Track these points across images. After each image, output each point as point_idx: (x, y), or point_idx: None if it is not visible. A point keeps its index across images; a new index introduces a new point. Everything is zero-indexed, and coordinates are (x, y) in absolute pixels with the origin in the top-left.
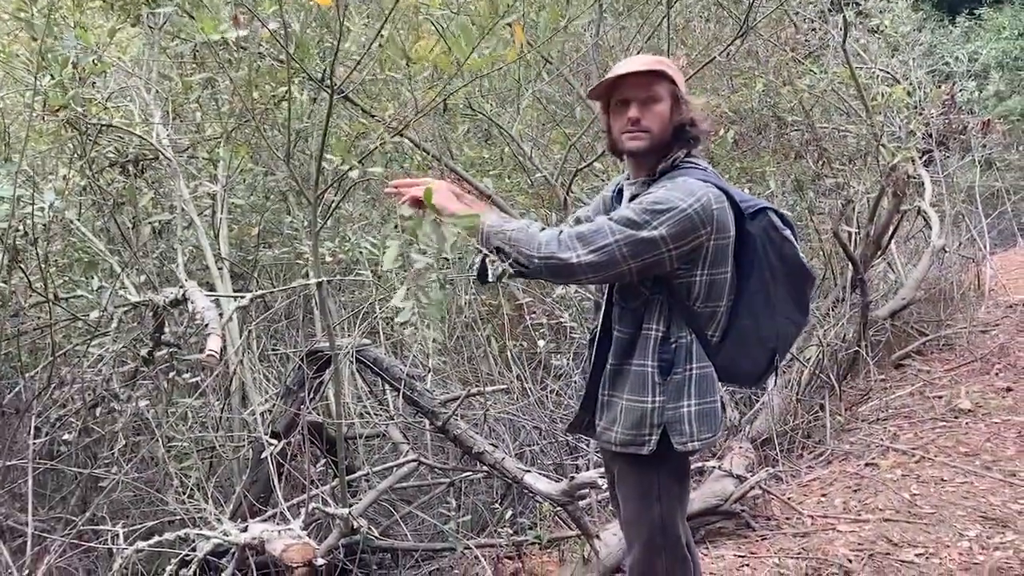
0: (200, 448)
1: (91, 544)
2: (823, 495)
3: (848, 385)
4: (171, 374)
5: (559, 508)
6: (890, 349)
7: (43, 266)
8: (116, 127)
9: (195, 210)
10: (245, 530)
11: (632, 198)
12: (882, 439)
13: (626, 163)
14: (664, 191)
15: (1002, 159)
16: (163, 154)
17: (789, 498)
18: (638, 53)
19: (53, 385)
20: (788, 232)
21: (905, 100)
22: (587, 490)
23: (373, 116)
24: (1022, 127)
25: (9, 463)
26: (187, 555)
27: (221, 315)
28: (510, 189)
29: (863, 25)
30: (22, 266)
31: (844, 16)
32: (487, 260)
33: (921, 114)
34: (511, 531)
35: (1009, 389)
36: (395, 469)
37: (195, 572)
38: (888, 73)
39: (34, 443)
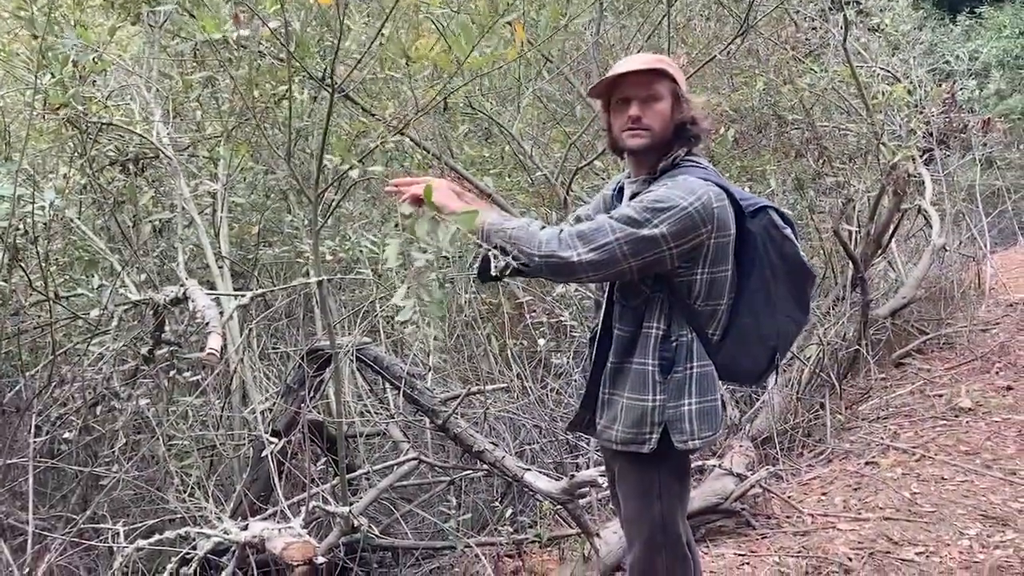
0: (200, 446)
1: (92, 542)
2: (823, 494)
3: (848, 384)
4: (171, 372)
5: (559, 506)
6: (890, 348)
7: (43, 265)
8: (116, 126)
9: (195, 209)
10: (245, 528)
11: (633, 196)
12: (882, 438)
13: (627, 161)
14: (665, 189)
15: (1003, 158)
16: (163, 153)
17: (789, 496)
18: (638, 52)
19: (54, 383)
20: (788, 230)
21: (905, 99)
22: (587, 488)
23: (373, 115)
24: (1023, 126)
25: (10, 461)
26: (188, 553)
27: (221, 313)
28: (510, 188)
29: (863, 24)
30: (22, 265)
31: (844, 15)
32: (490, 255)
33: (921, 113)
34: (511, 529)
35: (1009, 388)
36: (395, 467)
37: (196, 570)
38: (888, 72)
39: (35, 441)
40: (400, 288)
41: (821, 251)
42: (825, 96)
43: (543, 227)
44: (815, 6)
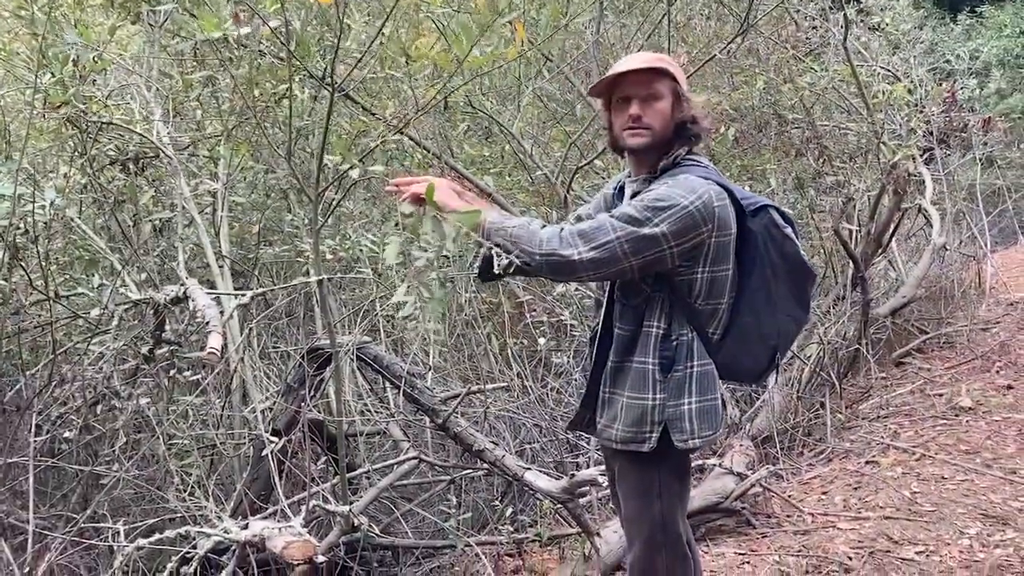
0: (201, 446)
1: (92, 541)
2: (823, 493)
3: (849, 383)
4: (172, 372)
5: (560, 506)
6: (891, 347)
7: (44, 264)
8: (117, 125)
9: (196, 208)
10: (246, 527)
11: (634, 195)
12: (883, 437)
13: (627, 160)
14: (666, 188)
15: (1003, 157)
16: (164, 152)
17: (790, 496)
18: (639, 51)
19: (54, 383)
20: (789, 230)
21: (906, 98)
22: (587, 488)
23: (374, 114)
24: (1023, 125)
25: (10, 460)
26: (188, 553)
27: (222, 313)
28: (511, 187)
29: (864, 23)
30: (23, 264)
31: (845, 14)
32: (493, 252)
33: (922, 112)
34: (512, 528)
35: (1010, 387)
36: (396, 467)
37: (196, 569)
38: (889, 71)
39: (35, 441)
40: (401, 286)
41: (821, 250)
42: (825, 95)
43: (544, 226)
44: (815, 5)
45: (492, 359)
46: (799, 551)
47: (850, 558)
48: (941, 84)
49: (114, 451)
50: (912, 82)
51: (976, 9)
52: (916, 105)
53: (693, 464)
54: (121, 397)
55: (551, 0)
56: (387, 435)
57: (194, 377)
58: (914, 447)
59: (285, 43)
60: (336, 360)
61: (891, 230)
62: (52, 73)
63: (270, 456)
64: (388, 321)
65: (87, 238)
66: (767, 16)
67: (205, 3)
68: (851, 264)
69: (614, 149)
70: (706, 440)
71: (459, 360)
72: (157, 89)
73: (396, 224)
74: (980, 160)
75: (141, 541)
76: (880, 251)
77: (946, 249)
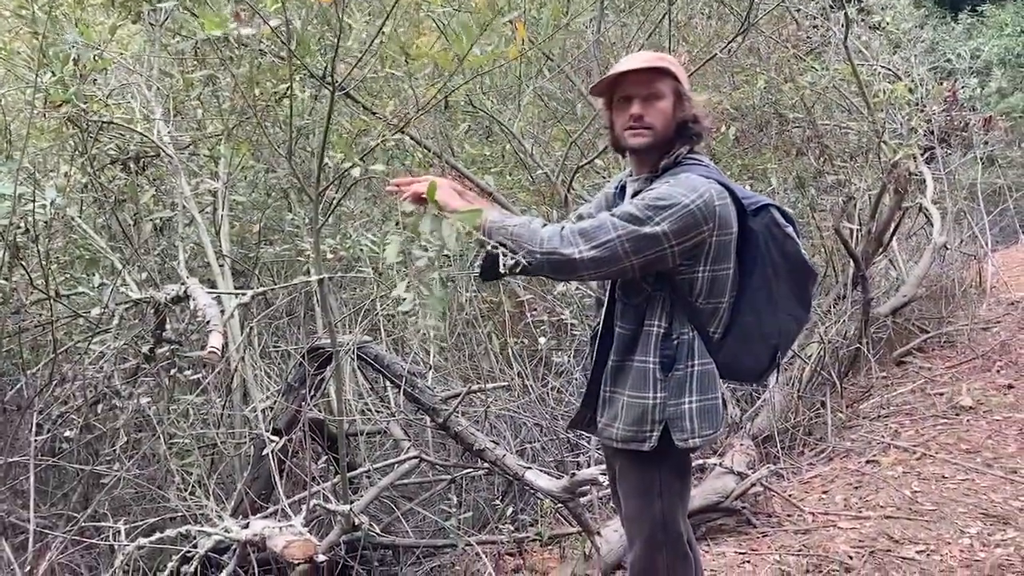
0: (201, 445)
1: (93, 541)
2: (824, 492)
3: (849, 382)
4: (172, 371)
5: (560, 505)
6: (891, 346)
7: (44, 263)
8: (117, 124)
9: (196, 207)
10: (246, 527)
11: (635, 194)
12: (883, 436)
13: (629, 160)
14: (667, 187)
15: (1004, 156)
16: (164, 151)
17: (790, 495)
18: (640, 50)
19: (55, 382)
20: (790, 229)
21: (907, 97)
22: (588, 487)
23: (374, 113)
24: None
25: (11, 460)
26: (188, 552)
27: (222, 312)
28: (511, 186)
29: (865, 22)
30: (23, 263)
31: (846, 13)
32: (500, 252)
33: (923, 111)
34: (512, 528)
35: (1010, 386)
36: (396, 466)
37: (197, 569)
38: (890, 70)
39: (36, 440)
40: (401, 282)
41: (822, 249)
42: (826, 94)
43: (544, 224)
44: (816, 4)
45: (493, 358)
46: (800, 550)
47: (851, 557)
48: (942, 83)
49: (115, 450)
50: (913, 81)
51: (977, 8)
52: (917, 104)
53: (694, 463)
54: (122, 396)
55: None
56: (388, 434)
57: (195, 376)
58: (915, 446)
59: (286, 42)
60: (337, 359)
61: (892, 229)
62: (53, 72)
63: (271, 455)
64: (389, 320)
65: (88, 237)
66: (768, 15)
67: (206, 2)
68: (852, 263)
69: (615, 148)
70: (707, 439)
71: (460, 359)
72: (158, 88)
73: (397, 223)
74: (981, 159)
75: (142, 540)
76: (881, 250)
77: (947, 248)
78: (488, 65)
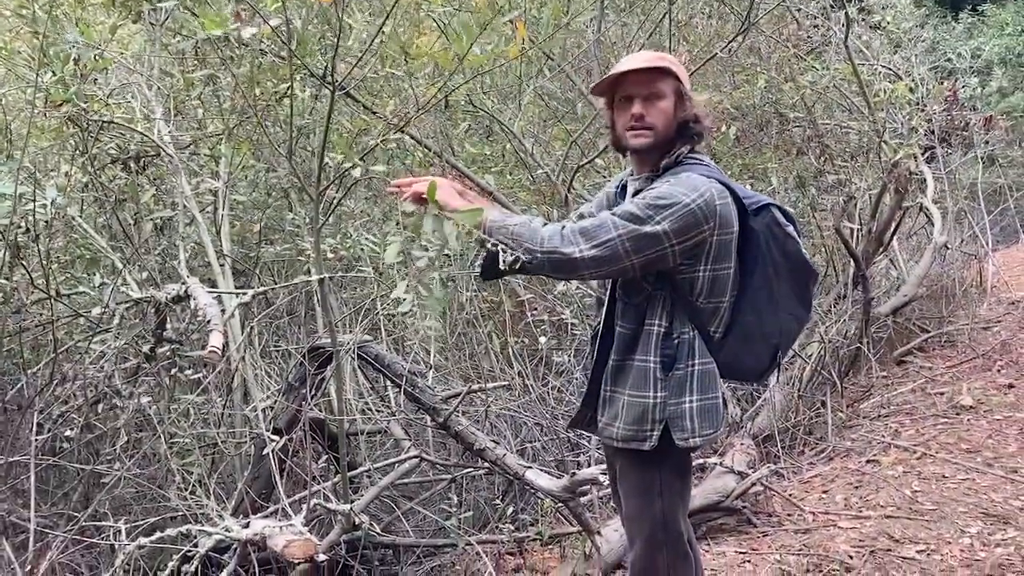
0: (202, 444)
1: (93, 540)
2: (824, 492)
3: (850, 382)
4: (173, 370)
5: (560, 504)
6: (892, 346)
7: (45, 263)
8: (118, 124)
9: (197, 207)
10: (247, 526)
11: (635, 193)
12: (883, 436)
13: (630, 159)
14: (667, 186)
15: (1005, 155)
16: (165, 151)
17: (790, 495)
18: (640, 49)
19: (55, 381)
20: (791, 228)
21: (907, 96)
22: (588, 486)
23: (375, 113)
24: None
25: (12, 459)
26: (189, 551)
27: (223, 311)
28: (512, 186)
29: (865, 21)
30: (24, 262)
31: (846, 12)
32: (499, 249)
33: (923, 110)
34: (513, 527)
35: (1011, 386)
36: (397, 465)
37: (197, 568)
38: (890, 69)
39: (36, 439)
40: (401, 283)
41: (823, 249)
42: (827, 94)
43: (545, 224)
44: (817, 4)
45: (493, 358)
46: (800, 550)
47: (851, 557)
48: (942, 83)
49: (115, 450)
50: (913, 81)
51: (978, 7)
52: (917, 104)
53: (694, 463)
54: (122, 396)
55: None
56: (388, 434)
57: (195, 376)
58: (915, 446)
59: (286, 42)
60: (337, 359)
61: (892, 229)
62: (53, 72)
63: (271, 455)
64: (389, 320)
65: (88, 237)
66: (768, 15)
67: (206, 2)
68: (852, 263)
69: (616, 148)
70: (707, 439)
71: (460, 359)
72: (158, 88)
73: (397, 223)
74: (982, 159)
75: (142, 540)
76: (881, 250)
77: (947, 248)
78: (488, 64)
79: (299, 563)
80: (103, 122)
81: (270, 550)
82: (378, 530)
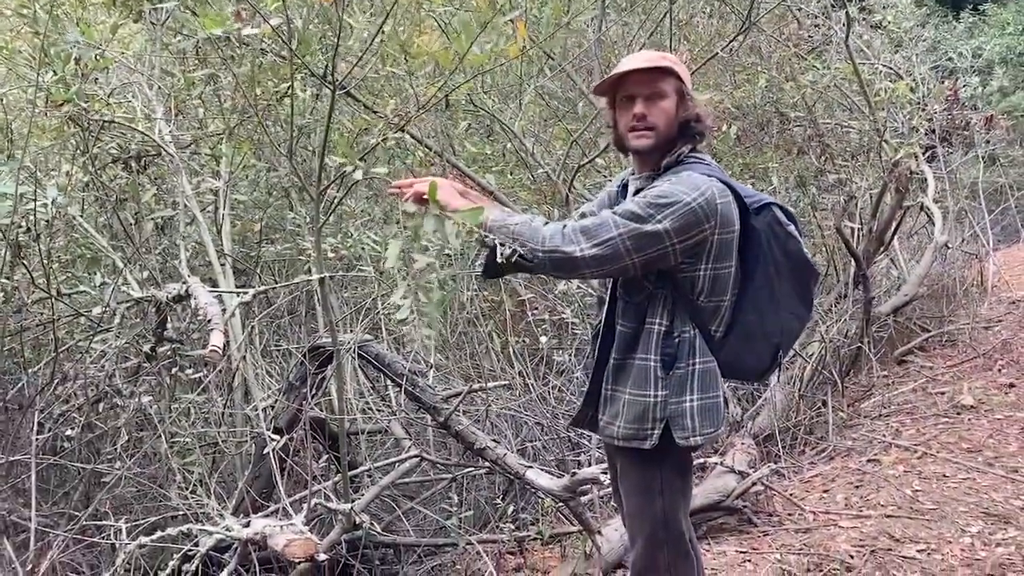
0: (203, 444)
1: (94, 539)
2: (825, 491)
3: (850, 381)
4: (174, 370)
5: (561, 504)
6: (893, 345)
7: (46, 262)
8: (118, 123)
9: (197, 206)
10: (247, 525)
11: (637, 192)
12: (884, 435)
13: (631, 158)
14: (668, 185)
15: (1006, 155)
16: (165, 150)
17: (791, 494)
18: (641, 49)
19: (56, 381)
20: (792, 227)
21: (908, 96)
22: (589, 486)
23: (375, 112)
24: None
25: (13, 458)
26: (190, 550)
27: (224, 311)
28: (512, 185)
29: (866, 21)
30: (25, 262)
31: (847, 12)
32: (497, 244)
33: (924, 110)
34: (513, 527)
35: (1012, 385)
36: (397, 465)
37: (198, 567)
38: (891, 69)
39: (37, 439)
40: (399, 286)
41: (824, 248)
42: (827, 93)
43: (546, 223)
44: (817, 3)
45: (494, 357)
46: (800, 549)
47: (852, 556)
48: (943, 82)
49: (116, 449)
50: (914, 80)
51: (978, 7)
52: (918, 103)
53: (695, 462)
54: (123, 395)
55: None
56: (389, 433)
57: (196, 375)
58: (916, 445)
59: (287, 41)
60: (338, 358)
61: (893, 228)
62: (54, 71)
63: (272, 454)
64: (390, 319)
65: (89, 236)
66: (769, 14)
67: (207, 1)
68: (853, 262)
69: (618, 148)
70: (708, 438)
71: (461, 358)
72: (159, 87)
73: (398, 223)
74: (982, 158)
75: (143, 539)
76: (882, 249)
77: (948, 247)
78: (489, 64)
79: (300, 562)
80: (104, 122)
81: (271, 549)
82: (379, 529)
